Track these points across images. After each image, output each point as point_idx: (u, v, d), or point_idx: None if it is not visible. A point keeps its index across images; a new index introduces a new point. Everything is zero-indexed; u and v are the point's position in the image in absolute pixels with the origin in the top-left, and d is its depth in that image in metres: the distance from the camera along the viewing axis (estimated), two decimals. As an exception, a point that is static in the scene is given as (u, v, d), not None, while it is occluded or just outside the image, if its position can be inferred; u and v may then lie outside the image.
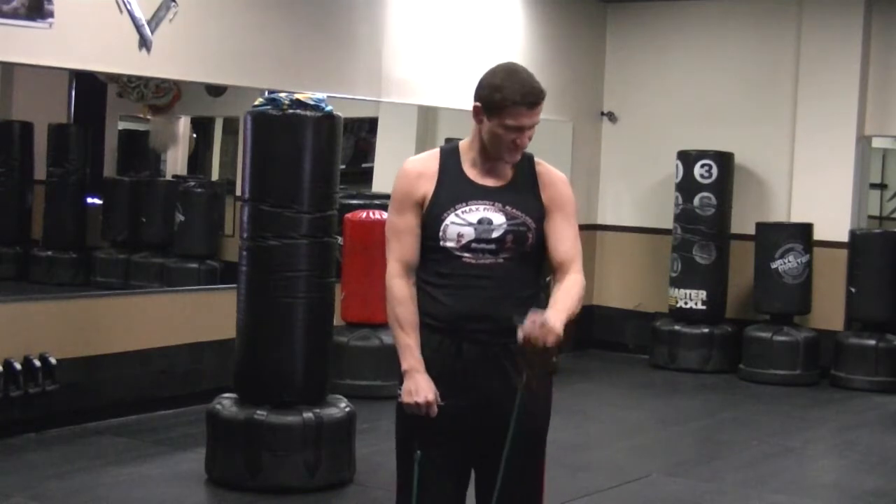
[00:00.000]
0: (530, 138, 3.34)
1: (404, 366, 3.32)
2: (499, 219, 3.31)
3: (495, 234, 3.30)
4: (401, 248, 3.36)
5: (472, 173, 3.37)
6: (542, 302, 3.33)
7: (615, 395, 9.11)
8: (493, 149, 3.34)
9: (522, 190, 3.37)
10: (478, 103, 3.32)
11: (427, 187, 3.35)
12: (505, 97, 3.25)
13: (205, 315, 7.55)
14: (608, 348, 10.78)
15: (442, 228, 3.31)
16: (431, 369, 3.30)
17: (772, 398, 8.99)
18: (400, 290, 3.35)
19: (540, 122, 3.34)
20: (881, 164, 11.82)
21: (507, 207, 3.32)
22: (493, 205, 3.33)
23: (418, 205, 3.34)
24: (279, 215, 5.70)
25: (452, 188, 3.34)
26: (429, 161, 3.41)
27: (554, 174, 3.44)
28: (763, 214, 10.10)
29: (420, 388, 3.28)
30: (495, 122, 3.28)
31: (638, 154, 10.81)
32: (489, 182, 3.36)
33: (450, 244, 3.30)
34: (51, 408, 6.67)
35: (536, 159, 3.45)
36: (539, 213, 3.35)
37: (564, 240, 3.36)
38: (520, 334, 3.10)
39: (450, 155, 3.40)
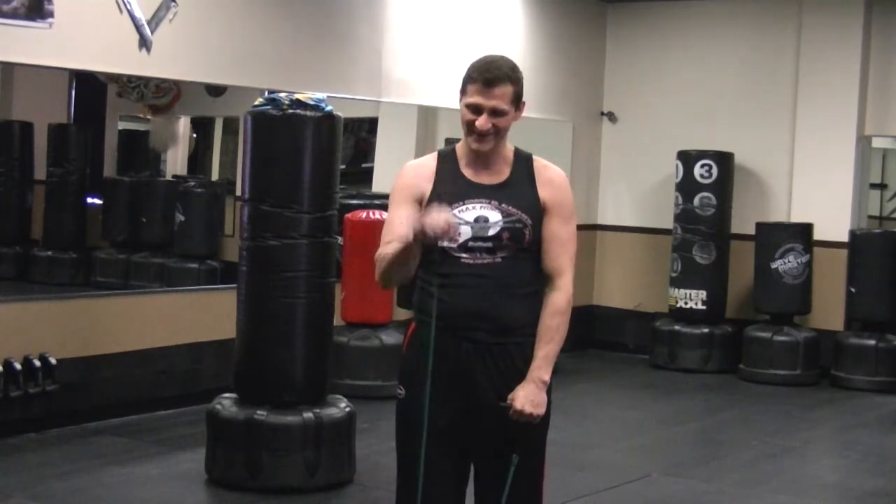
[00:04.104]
0: (498, 130, 3.29)
1: (394, 244, 3.20)
2: (495, 216, 3.31)
3: (492, 232, 3.30)
4: (391, 234, 3.30)
5: (468, 172, 3.37)
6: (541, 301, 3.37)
7: (615, 395, 9.11)
8: (466, 137, 3.33)
9: (519, 187, 3.36)
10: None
11: (425, 186, 3.35)
12: (467, 74, 3.30)
13: (205, 315, 7.55)
14: (608, 348, 10.78)
15: None
16: (431, 368, 3.28)
17: (772, 398, 8.98)
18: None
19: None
20: (881, 164, 11.81)
21: (504, 205, 3.32)
22: (489, 202, 3.32)
23: (416, 201, 3.34)
24: (279, 215, 5.70)
25: (449, 187, 3.33)
26: (426, 162, 3.43)
27: (552, 172, 3.43)
28: (763, 214, 10.09)
29: (430, 214, 3.08)
30: (462, 105, 3.31)
31: (638, 154, 10.80)
32: (485, 180, 3.36)
33: (447, 244, 3.28)
34: (51, 408, 6.67)
35: (535, 157, 3.45)
36: (536, 209, 3.35)
37: (554, 250, 3.35)
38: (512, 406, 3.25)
39: (447, 155, 3.41)
